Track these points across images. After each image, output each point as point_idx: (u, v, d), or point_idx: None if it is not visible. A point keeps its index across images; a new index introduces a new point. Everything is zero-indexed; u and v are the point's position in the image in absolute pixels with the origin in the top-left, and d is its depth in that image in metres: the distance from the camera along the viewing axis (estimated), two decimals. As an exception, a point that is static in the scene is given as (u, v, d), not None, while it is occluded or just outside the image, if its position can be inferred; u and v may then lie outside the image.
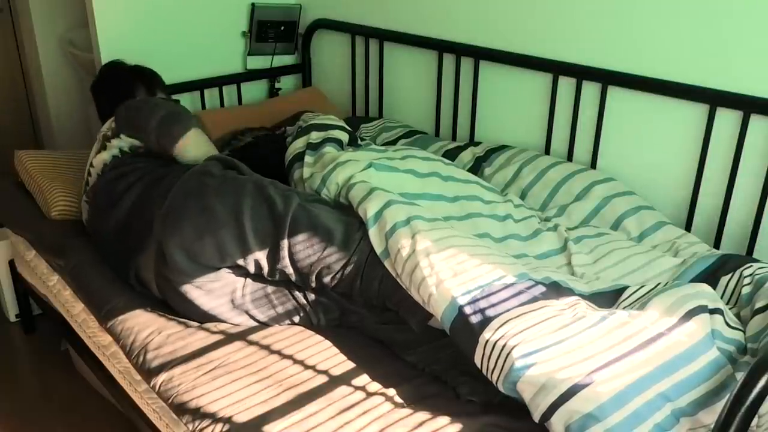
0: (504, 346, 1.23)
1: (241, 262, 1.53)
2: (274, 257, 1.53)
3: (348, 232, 1.55)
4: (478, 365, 1.29)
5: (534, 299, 1.34)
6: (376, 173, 1.75)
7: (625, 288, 1.50)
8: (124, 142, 1.86)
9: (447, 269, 1.38)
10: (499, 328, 1.27)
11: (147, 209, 1.67)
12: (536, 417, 1.19)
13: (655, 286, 1.46)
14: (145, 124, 1.81)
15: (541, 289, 1.37)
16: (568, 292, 1.42)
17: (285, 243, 1.51)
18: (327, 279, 1.54)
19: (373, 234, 1.53)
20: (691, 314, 1.29)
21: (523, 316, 1.29)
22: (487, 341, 1.26)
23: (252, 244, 1.51)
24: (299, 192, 1.68)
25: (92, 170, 1.87)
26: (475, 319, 1.30)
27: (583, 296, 1.44)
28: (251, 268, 1.54)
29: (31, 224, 2.10)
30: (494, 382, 1.26)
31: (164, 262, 1.55)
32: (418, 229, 1.48)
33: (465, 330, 1.30)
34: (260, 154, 2.05)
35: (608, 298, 1.48)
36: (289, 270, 1.54)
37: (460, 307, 1.32)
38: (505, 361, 1.22)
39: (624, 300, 1.45)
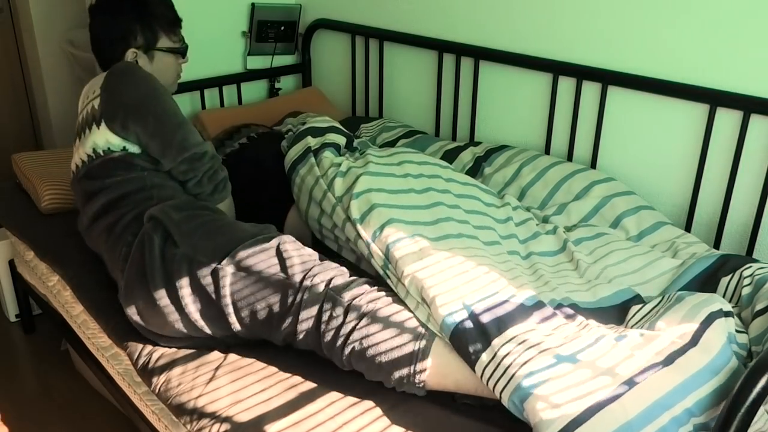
0: (511, 364, 1.22)
1: (199, 335, 1.52)
2: (229, 334, 1.51)
3: (286, 291, 1.44)
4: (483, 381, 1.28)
5: (543, 320, 1.34)
6: (375, 179, 1.73)
7: (628, 300, 1.51)
8: (100, 138, 1.63)
9: (444, 284, 1.38)
10: (505, 344, 1.26)
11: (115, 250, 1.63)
12: None
13: (660, 301, 1.45)
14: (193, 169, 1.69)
15: (549, 310, 1.37)
16: (574, 307, 1.44)
17: (236, 327, 1.48)
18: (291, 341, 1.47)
19: (375, 251, 1.52)
20: (708, 321, 1.28)
21: (528, 333, 1.28)
22: (491, 360, 1.25)
23: (203, 327, 1.49)
24: (232, 252, 1.48)
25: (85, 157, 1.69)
26: (473, 343, 1.28)
27: (588, 310, 1.45)
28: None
29: (31, 229, 2.09)
30: (498, 396, 1.24)
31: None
32: (419, 246, 1.48)
33: (464, 346, 1.30)
34: (256, 159, 2.01)
35: (613, 315, 1.48)
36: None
37: (458, 324, 1.31)
38: (510, 378, 1.21)
39: (631, 318, 1.45)
